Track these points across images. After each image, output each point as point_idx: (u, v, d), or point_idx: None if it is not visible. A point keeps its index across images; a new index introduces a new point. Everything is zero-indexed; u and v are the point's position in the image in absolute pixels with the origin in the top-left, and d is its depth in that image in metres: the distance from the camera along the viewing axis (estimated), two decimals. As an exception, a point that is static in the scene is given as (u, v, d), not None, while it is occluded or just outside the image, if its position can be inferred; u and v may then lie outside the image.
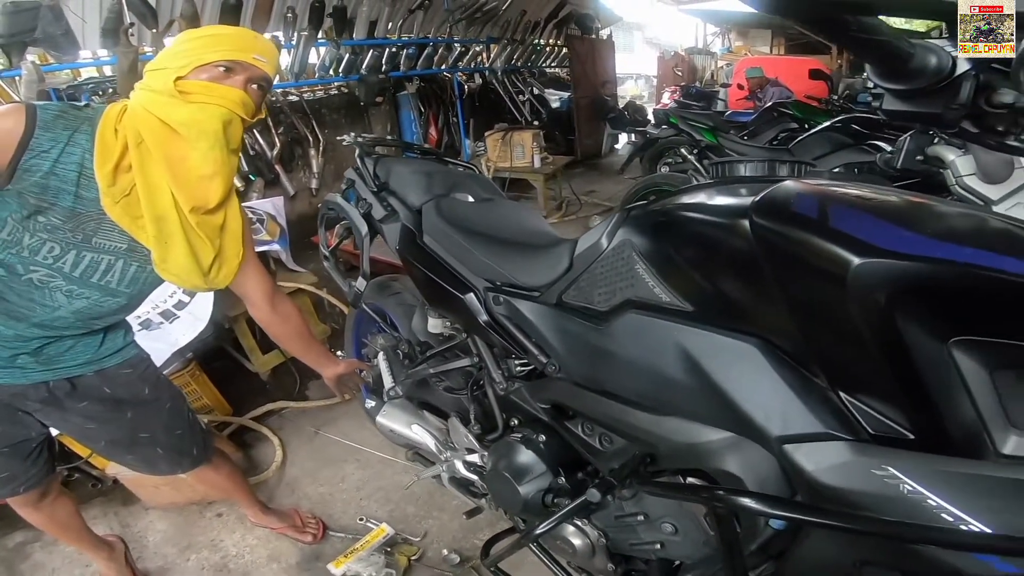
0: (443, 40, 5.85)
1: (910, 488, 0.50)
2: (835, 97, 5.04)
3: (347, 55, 4.67)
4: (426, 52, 5.56)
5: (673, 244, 0.76)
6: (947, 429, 0.51)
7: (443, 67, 5.98)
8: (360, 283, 1.50)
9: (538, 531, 0.94)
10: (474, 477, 1.32)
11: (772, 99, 5.55)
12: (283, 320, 1.33)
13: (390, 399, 1.51)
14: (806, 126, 4.00)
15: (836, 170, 2.64)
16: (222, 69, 1.04)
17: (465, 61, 6.32)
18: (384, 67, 5.07)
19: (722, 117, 4.87)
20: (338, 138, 1.81)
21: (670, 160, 4.56)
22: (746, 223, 0.63)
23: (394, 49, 5.18)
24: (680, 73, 10.47)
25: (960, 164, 1.39)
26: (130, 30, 3.12)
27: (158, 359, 1.79)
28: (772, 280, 0.62)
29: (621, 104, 7.87)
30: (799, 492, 0.60)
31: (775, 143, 3.91)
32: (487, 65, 6.82)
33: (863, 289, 0.53)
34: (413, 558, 1.64)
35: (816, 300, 0.58)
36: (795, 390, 0.60)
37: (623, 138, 7.74)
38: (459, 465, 1.34)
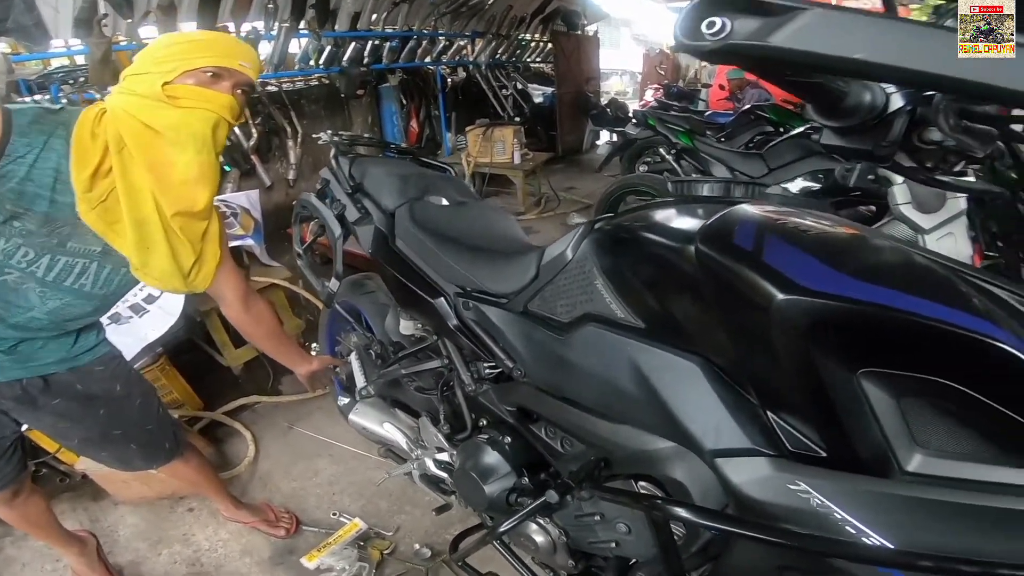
0: (427, 33, 5.81)
1: (819, 502, 0.55)
2: (811, 101, 5.12)
3: (329, 47, 4.62)
4: (409, 45, 5.51)
5: (629, 263, 0.80)
6: (856, 449, 0.56)
7: (427, 60, 5.94)
8: (333, 284, 1.52)
9: (502, 529, 0.97)
10: (444, 475, 1.35)
11: (751, 101, 5.63)
12: (256, 321, 1.34)
13: (362, 398, 1.54)
14: (781, 130, 4.09)
15: (798, 180, 2.73)
16: (209, 74, 1.06)
17: (449, 55, 6.29)
18: (366, 59, 5.02)
19: (701, 118, 4.93)
20: (313, 136, 1.81)
21: (648, 159, 4.62)
22: (692, 249, 0.68)
23: (377, 42, 5.14)
24: (663, 71, 10.51)
25: (898, 193, 1.49)
26: (104, 20, 3.06)
27: (127, 354, 1.77)
28: (712, 304, 0.66)
29: (605, 100, 7.89)
30: (729, 502, 0.64)
31: (750, 146, 3.98)
32: (471, 59, 6.79)
33: (784, 322, 0.57)
34: (386, 552, 1.67)
35: (746, 327, 0.63)
36: (728, 407, 0.65)
37: (604, 135, 7.78)
38: (429, 463, 1.37)
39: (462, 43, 6.52)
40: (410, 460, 1.44)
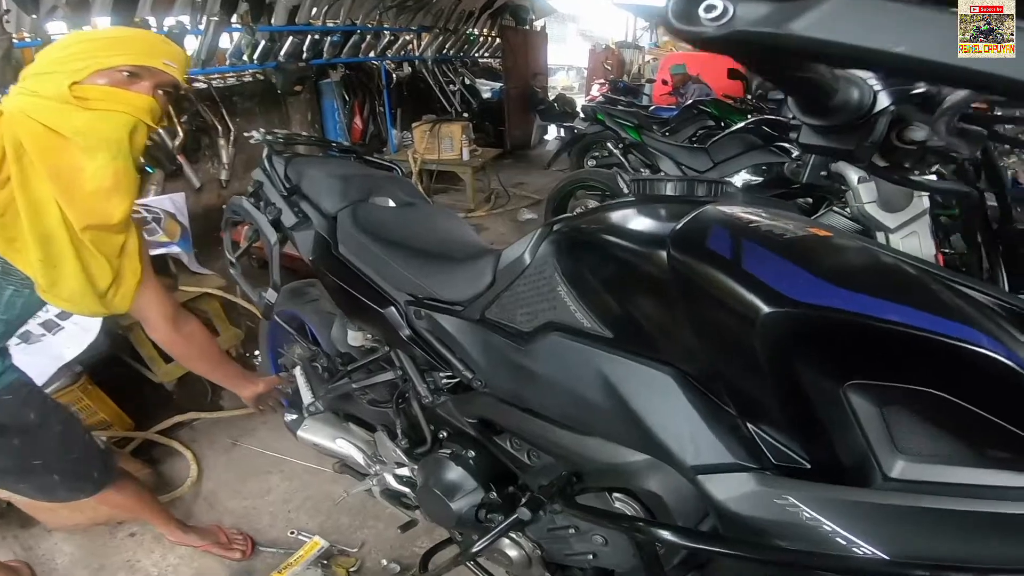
0: (371, 28, 5.62)
1: (808, 515, 0.52)
2: (750, 96, 5.30)
3: (264, 41, 4.39)
4: (352, 40, 5.33)
5: (593, 268, 0.76)
6: (839, 459, 0.54)
7: (371, 55, 5.75)
8: (271, 294, 1.41)
9: (474, 550, 0.92)
10: (406, 489, 1.29)
11: (693, 96, 5.76)
12: (187, 341, 1.24)
13: (311, 414, 1.45)
14: (723, 124, 4.20)
15: (742, 172, 2.80)
16: (125, 74, 0.95)
17: (394, 49, 6.12)
18: (305, 54, 4.81)
19: (646, 112, 5.01)
20: (245, 134, 1.69)
21: (597, 154, 4.66)
22: (664, 255, 0.64)
23: (317, 36, 4.93)
24: (609, 67, 10.65)
25: (863, 191, 1.46)
26: (5, 16, 2.80)
27: (42, 375, 1.61)
28: (687, 313, 0.63)
29: (552, 96, 7.93)
30: (712, 517, 0.62)
31: (694, 140, 4.08)
32: (418, 54, 6.65)
33: (770, 335, 0.55)
34: (352, 569, 1.60)
35: (726, 338, 0.60)
36: (706, 420, 0.62)
37: (552, 130, 7.81)
38: (389, 479, 1.31)
39: (408, 37, 6.37)
40: (369, 476, 1.37)
